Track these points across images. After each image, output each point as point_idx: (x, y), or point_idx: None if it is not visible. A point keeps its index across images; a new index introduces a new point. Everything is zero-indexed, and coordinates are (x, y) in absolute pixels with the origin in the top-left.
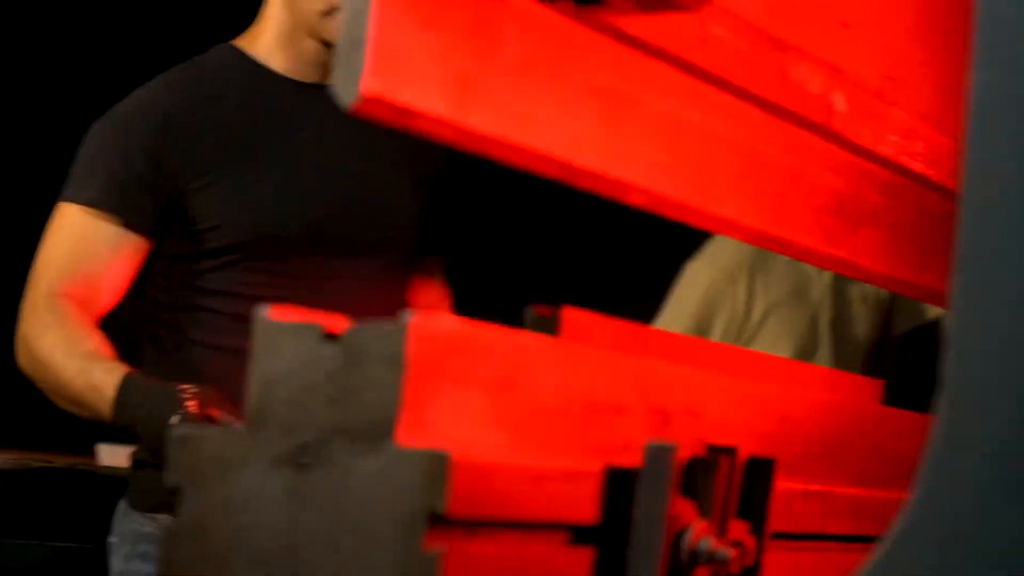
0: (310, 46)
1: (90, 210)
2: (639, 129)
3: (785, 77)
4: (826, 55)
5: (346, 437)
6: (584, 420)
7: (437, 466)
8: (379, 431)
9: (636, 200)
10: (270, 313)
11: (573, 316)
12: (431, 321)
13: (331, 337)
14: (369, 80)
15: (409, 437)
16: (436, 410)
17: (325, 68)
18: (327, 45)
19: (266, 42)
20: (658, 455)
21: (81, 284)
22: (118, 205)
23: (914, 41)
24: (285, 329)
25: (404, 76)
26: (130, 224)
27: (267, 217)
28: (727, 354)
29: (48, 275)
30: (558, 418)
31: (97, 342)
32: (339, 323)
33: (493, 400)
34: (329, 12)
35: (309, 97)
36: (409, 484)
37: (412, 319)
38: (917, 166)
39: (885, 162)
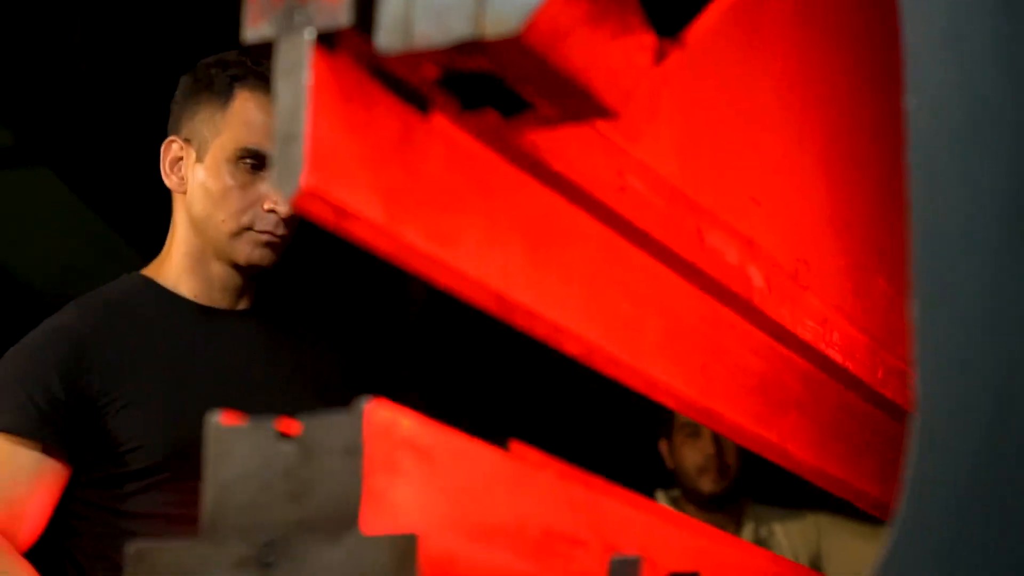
0: (219, 270)
1: (8, 436)
2: (567, 275)
3: (702, 241)
4: (740, 226)
5: (309, 531)
6: (540, 545)
7: (406, 549)
8: (342, 522)
9: (571, 348)
10: (222, 419)
11: (522, 450)
12: (386, 410)
13: (285, 436)
14: (308, 175)
15: (372, 526)
16: (395, 503)
17: (233, 292)
18: (236, 268)
19: (174, 268)
20: (623, 568)
21: (3, 512)
22: (37, 429)
23: (825, 232)
24: (238, 432)
25: (340, 176)
26: (49, 448)
27: (185, 434)
28: (676, 517)
29: None
30: (514, 537)
31: (26, 572)
32: (292, 425)
33: (449, 505)
34: (239, 233)
35: (217, 320)
36: (379, 569)
37: (366, 406)
38: (836, 356)
39: (804, 348)
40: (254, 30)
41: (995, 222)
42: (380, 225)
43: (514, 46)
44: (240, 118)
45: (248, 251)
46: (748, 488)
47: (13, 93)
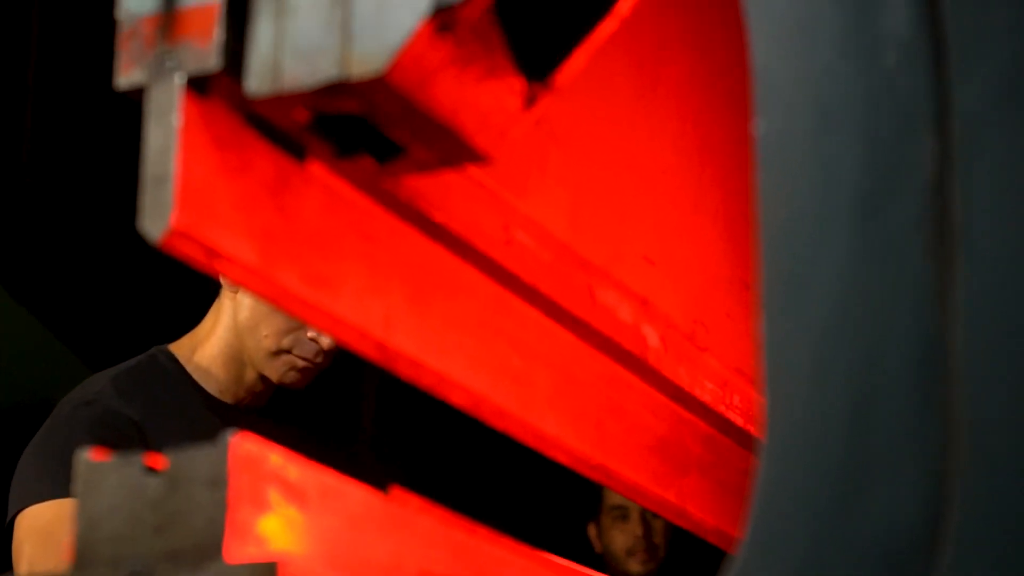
0: (251, 375)
1: (52, 502)
2: (452, 325)
3: (594, 299)
4: (633, 285)
5: (174, 562)
6: None
7: None
8: (206, 552)
9: (457, 399)
10: (91, 455)
11: (402, 494)
12: (251, 443)
13: (152, 470)
14: (178, 215)
15: (237, 556)
16: (262, 535)
17: (257, 396)
18: (265, 380)
19: (207, 359)
20: None
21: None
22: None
23: (723, 293)
24: (107, 467)
25: (211, 218)
26: None
27: None
28: (564, 568)
29: None
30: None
31: None
32: (159, 460)
33: (318, 539)
34: (278, 353)
35: (239, 420)
36: None
37: (232, 439)
38: (737, 419)
39: (705, 411)
40: (126, 77)
41: (846, 224)
42: (253, 267)
43: (380, 86)
44: None
45: (282, 372)
46: (677, 570)
47: None
